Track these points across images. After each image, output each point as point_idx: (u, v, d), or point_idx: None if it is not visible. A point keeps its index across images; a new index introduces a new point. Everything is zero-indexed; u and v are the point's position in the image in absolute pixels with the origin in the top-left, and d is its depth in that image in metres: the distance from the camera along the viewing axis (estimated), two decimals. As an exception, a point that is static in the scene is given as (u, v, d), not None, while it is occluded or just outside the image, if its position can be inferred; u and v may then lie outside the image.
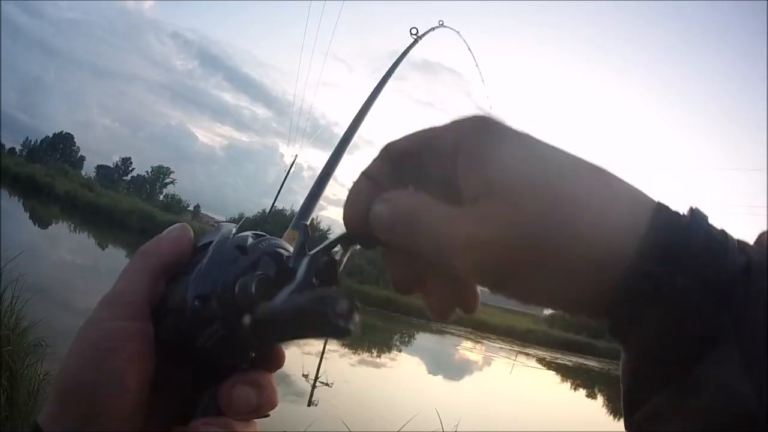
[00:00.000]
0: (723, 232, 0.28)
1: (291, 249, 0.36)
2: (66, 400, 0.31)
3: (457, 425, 3.50)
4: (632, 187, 0.29)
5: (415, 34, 2.05)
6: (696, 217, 0.28)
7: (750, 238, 0.29)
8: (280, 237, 0.38)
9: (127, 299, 0.33)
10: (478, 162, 0.29)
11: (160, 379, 0.33)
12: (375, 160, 0.33)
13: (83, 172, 51.80)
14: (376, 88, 1.57)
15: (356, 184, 0.33)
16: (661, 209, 0.28)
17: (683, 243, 0.26)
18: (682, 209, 0.28)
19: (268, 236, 0.36)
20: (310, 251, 0.34)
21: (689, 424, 0.26)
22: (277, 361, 0.36)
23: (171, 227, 0.37)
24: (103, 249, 17.06)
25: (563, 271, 0.27)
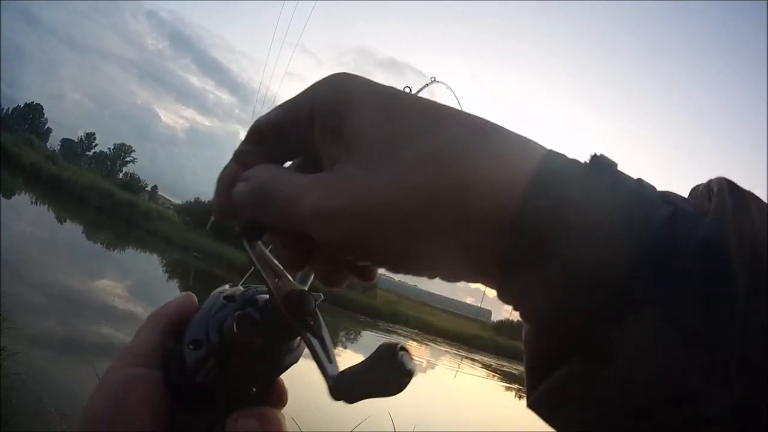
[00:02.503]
0: (638, 181, 0.24)
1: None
2: None
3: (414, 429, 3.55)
4: (521, 137, 0.25)
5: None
6: (599, 164, 0.24)
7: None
8: None
9: (138, 350, 0.37)
10: (334, 125, 0.27)
11: (175, 419, 0.36)
12: (243, 141, 0.32)
13: (48, 145, 50.24)
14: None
15: (224, 169, 0.32)
16: (553, 154, 0.24)
17: (579, 190, 0.22)
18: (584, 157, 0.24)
19: (258, 286, 0.39)
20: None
21: (599, 398, 0.22)
22: (280, 397, 0.38)
23: (178, 295, 0.41)
24: (61, 223, 16.89)
25: (435, 235, 0.24)
